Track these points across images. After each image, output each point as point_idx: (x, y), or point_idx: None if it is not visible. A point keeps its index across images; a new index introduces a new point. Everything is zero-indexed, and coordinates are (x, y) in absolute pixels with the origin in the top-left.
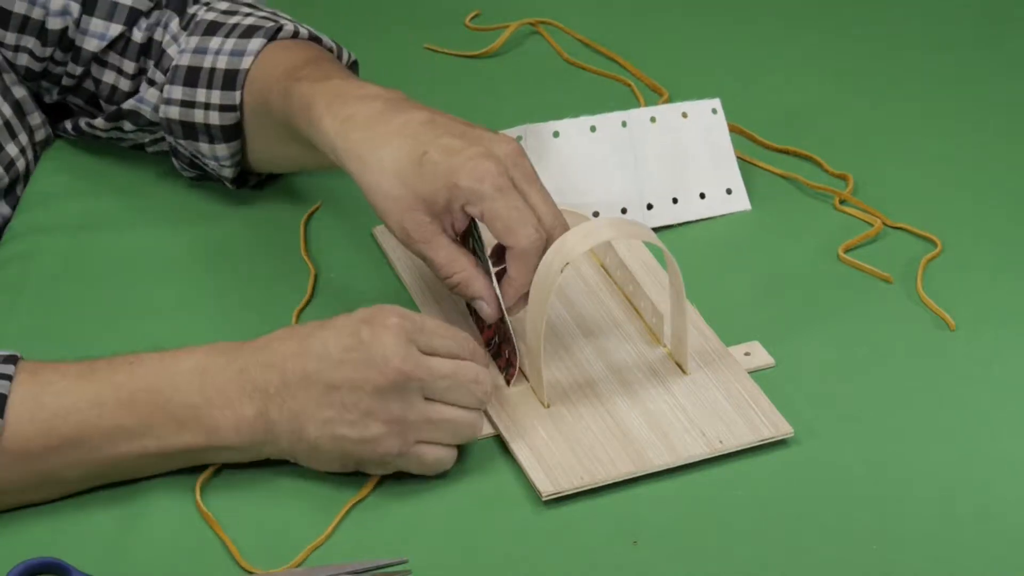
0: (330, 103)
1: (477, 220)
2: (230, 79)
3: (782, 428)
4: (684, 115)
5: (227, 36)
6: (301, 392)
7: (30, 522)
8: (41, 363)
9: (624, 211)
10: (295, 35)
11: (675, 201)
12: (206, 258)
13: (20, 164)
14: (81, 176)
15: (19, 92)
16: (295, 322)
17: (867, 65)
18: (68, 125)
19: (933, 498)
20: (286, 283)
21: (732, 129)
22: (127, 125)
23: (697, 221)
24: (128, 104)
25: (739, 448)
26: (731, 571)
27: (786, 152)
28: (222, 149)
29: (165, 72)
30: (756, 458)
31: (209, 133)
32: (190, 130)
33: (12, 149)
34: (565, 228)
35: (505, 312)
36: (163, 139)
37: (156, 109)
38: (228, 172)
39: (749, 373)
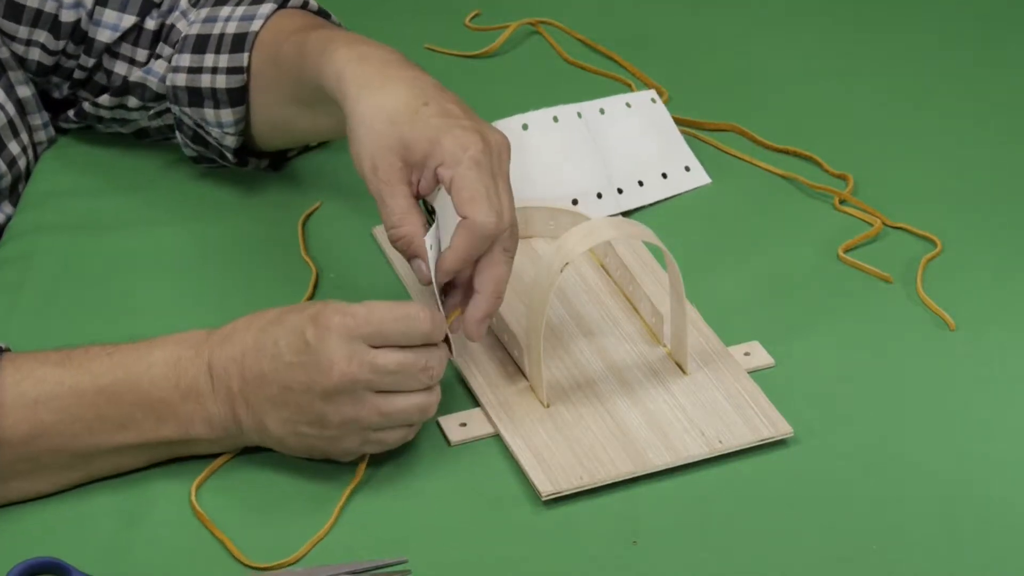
0: (349, 42)
1: (445, 186)
2: (239, 42)
3: (782, 428)
4: (628, 105)
5: (237, 5)
6: (259, 391)
7: (30, 522)
8: (21, 353)
9: (600, 196)
10: (304, 5)
11: (641, 184)
12: (206, 258)
13: (22, 163)
14: (81, 176)
15: (23, 91)
16: None
17: (867, 65)
18: (71, 113)
19: (933, 498)
20: (286, 283)
21: (731, 129)
22: (132, 101)
23: (697, 221)
24: (135, 76)
25: (739, 448)
26: (731, 571)
27: (786, 152)
28: (227, 114)
29: (174, 46)
30: (756, 458)
31: (215, 98)
32: (196, 96)
33: (15, 147)
34: (515, 233)
35: (434, 278)
36: (166, 112)
37: (163, 80)
38: (231, 141)
39: (749, 373)
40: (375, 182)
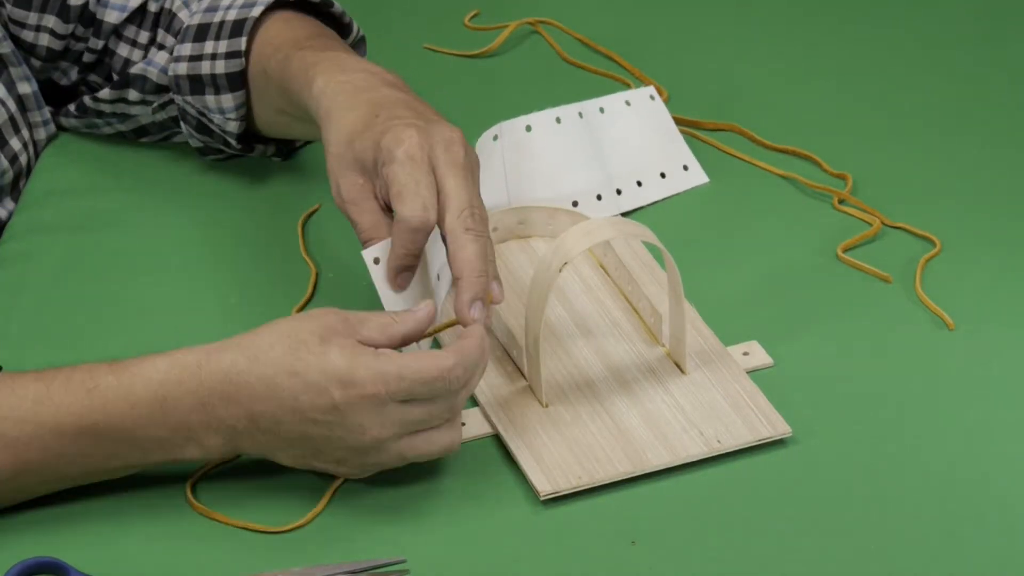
0: (329, 69)
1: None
2: (238, 27)
3: (780, 428)
4: (627, 103)
5: None
6: (273, 434)
7: (29, 522)
8: None
9: (600, 198)
10: None
11: (639, 184)
12: (206, 257)
13: (23, 159)
14: (81, 174)
15: (23, 88)
16: None
17: (867, 65)
18: (72, 106)
19: (932, 498)
20: (286, 283)
21: (731, 128)
22: (132, 94)
23: (696, 221)
24: (135, 68)
25: (737, 448)
26: (730, 571)
27: (786, 152)
28: (227, 100)
29: (175, 35)
30: (754, 458)
31: (215, 83)
32: (197, 84)
33: (16, 143)
34: (475, 213)
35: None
36: (169, 104)
37: (164, 71)
38: (233, 126)
39: (748, 373)
40: (341, 203)
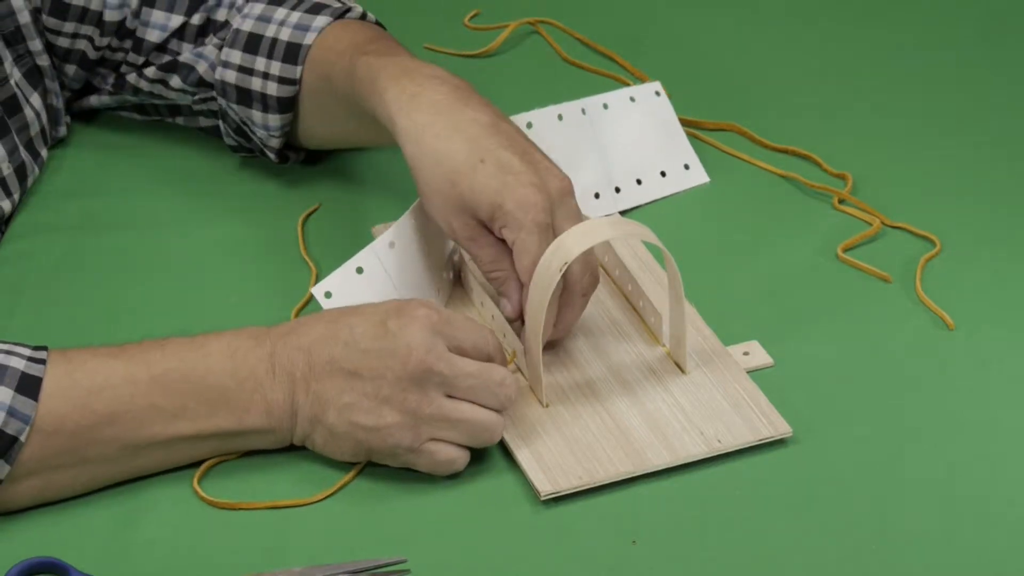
0: (397, 77)
1: (508, 243)
2: (292, 53)
3: (781, 428)
4: (632, 99)
5: (293, 8)
6: (326, 376)
7: (29, 522)
8: (71, 349)
9: (597, 196)
10: (362, 18)
11: (639, 182)
12: (206, 257)
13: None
14: (81, 176)
15: (51, 100)
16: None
17: (867, 65)
18: (108, 84)
19: (932, 498)
20: (286, 283)
21: (731, 128)
22: (175, 81)
23: (696, 221)
24: (185, 56)
25: (738, 448)
26: (730, 571)
27: (786, 152)
28: (275, 120)
29: (223, 38)
30: (755, 458)
31: (264, 102)
32: (245, 96)
33: (45, 155)
34: (594, 277)
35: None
36: (211, 99)
37: (212, 67)
38: (275, 143)
39: (748, 373)
40: (458, 241)
